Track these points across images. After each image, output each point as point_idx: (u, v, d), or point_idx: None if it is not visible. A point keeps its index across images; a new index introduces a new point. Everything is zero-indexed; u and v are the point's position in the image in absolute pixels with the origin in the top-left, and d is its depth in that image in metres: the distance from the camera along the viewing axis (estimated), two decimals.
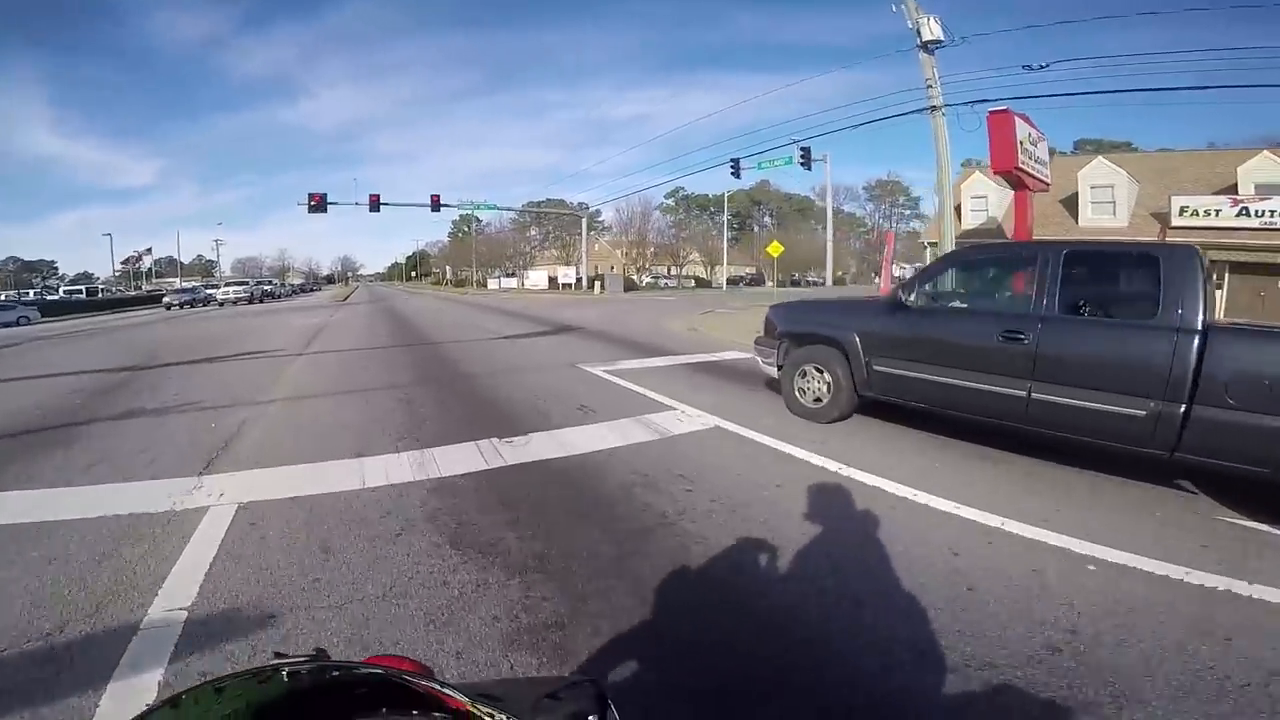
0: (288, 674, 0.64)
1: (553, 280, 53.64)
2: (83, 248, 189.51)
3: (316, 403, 7.01)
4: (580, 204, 60.02)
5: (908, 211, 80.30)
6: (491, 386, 7.78)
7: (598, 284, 45.03)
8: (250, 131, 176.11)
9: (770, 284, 67.50)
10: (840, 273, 65.88)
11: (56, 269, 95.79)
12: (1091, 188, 22.85)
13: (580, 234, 55.05)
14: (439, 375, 8.65)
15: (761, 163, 29.46)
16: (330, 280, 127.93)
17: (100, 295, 47.49)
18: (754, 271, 71.50)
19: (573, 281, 50.91)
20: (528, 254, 74.35)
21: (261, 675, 0.64)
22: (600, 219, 71.06)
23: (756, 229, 79.87)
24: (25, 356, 13.14)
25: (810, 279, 71.15)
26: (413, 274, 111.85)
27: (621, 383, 8.01)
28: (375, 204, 35.51)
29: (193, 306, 39.19)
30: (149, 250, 78.37)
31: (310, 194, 33.22)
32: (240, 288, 44.35)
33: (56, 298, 43.88)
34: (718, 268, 66.50)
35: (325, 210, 33.86)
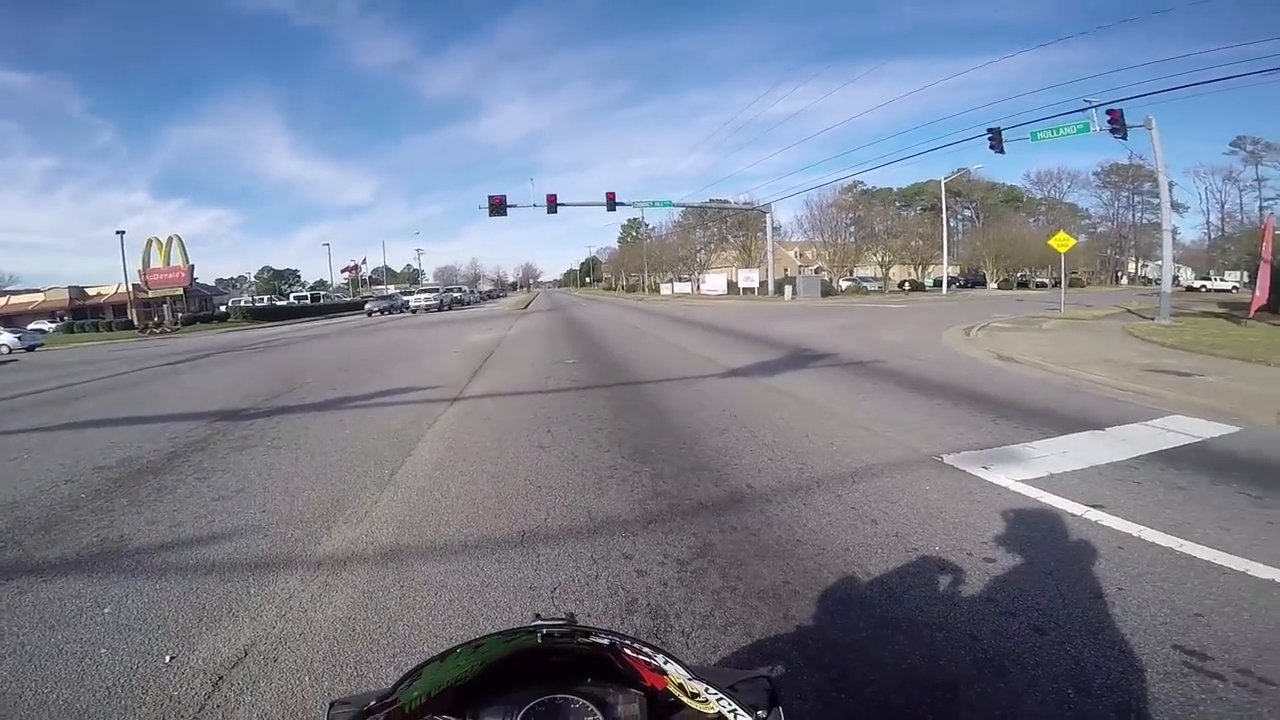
0: (542, 636, 0.74)
1: (732, 284, 48.90)
2: (318, 258, 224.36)
3: (430, 569, 2.97)
4: (748, 201, 54.49)
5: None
6: (840, 550, 3.22)
7: (788, 288, 39.33)
8: (444, 148, 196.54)
9: (992, 285, 57.23)
10: (1074, 272, 53.24)
11: (299, 277, 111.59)
12: None
13: (761, 234, 49.70)
14: (680, 484, 4.28)
15: (1037, 133, 21.81)
16: (514, 286, 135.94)
17: (320, 301, 52.29)
18: (966, 272, 60.86)
19: (755, 286, 45.68)
20: (698, 257, 70.18)
21: (515, 634, 0.74)
22: (776, 220, 64.72)
23: (955, 224, 68.30)
24: (108, 396, 11.36)
25: (1039, 280, 58.95)
26: (585, 280, 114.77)
27: (1121, 528, 3.21)
28: (553, 205, 34.42)
29: (390, 313, 40.80)
30: (364, 260, 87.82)
31: (490, 197, 32.83)
32: (431, 295, 45.57)
33: (285, 303, 48.54)
34: (928, 268, 56.85)
35: (505, 213, 33.40)
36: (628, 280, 79.81)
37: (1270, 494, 3.66)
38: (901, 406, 6.36)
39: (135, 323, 38.05)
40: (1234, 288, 34.36)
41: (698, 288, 57.23)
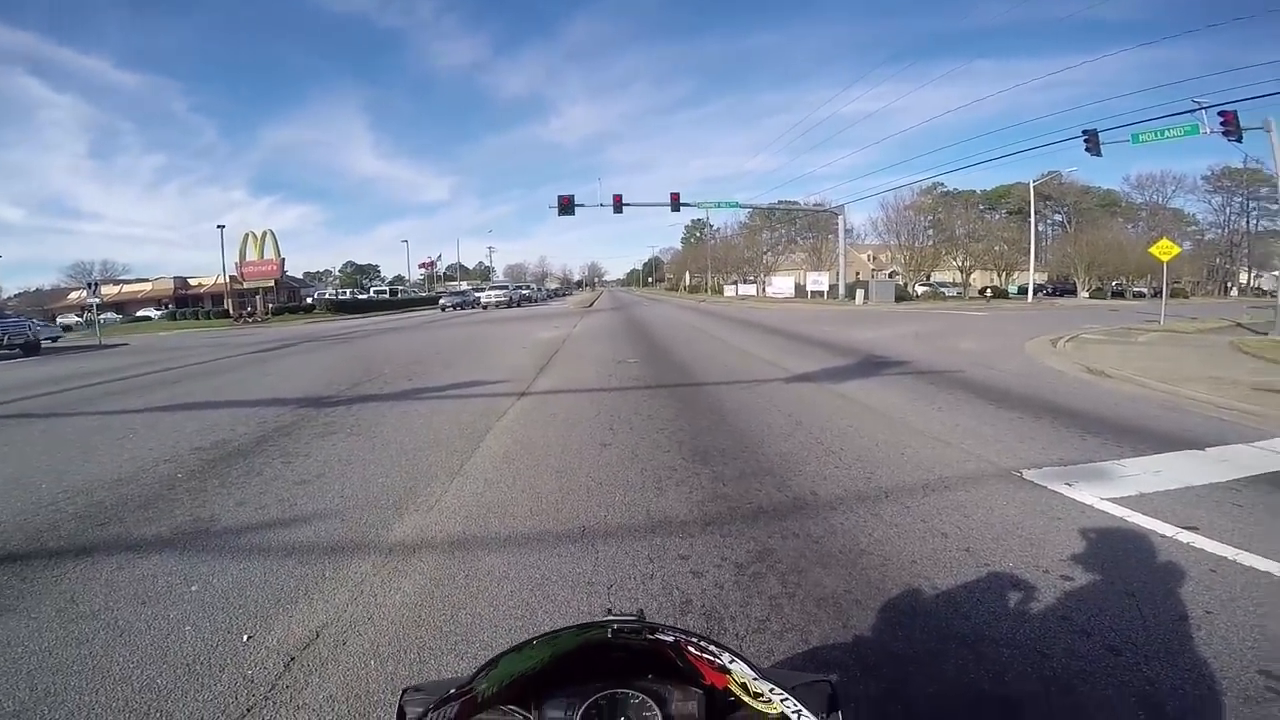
0: (613, 631, 0.75)
1: (800, 288, 47.77)
2: (397, 254, 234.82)
3: (494, 560, 3.04)
4: (818, 203, 52.89)
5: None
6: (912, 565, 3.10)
7: (860, 292, 38.08)
8: (515, 148, 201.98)
9: (1083, 293, 53.48)
10: (1176, 281, 49.07)
11: (379, 271, 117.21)
12: None
13: (832, 236, 48.35)
14: (740, 488, 4.22)
15: (1139, 135, 20.16)
16: (579, 285, 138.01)
17: (398, 295, 54.85)
18: (1054, 279, 57.22)
19: (825, 289, 44.42)
20: (765, 259, 68.85)
21: (588, 629, 0.75)
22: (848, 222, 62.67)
23: (1044, 228, 64.22)
24: (183, 386, 12.18)
25: (1137, 290, 54.72)
26: (648, 279, 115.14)
27: (1214, 550, 2.96)
28: (619, 205, 34.72)
29: (463, 308, 42.33)
30: (439, 256, 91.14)
31: (560, 196, 33.35)
32: (501, 292, 46.87)
33: (364, 297, 51.18)
34: (1013, 274, 53.62)
35: (573, 212, 33.90)
36: (690, 280, 79.40)
37: None
38: (978, 419, 6.04)
39: (230, 312, 41.07)
40: None
41: (763, 290, 56.13)
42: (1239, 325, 17.66)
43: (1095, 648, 2.26)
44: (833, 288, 44.17)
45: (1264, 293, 49.28)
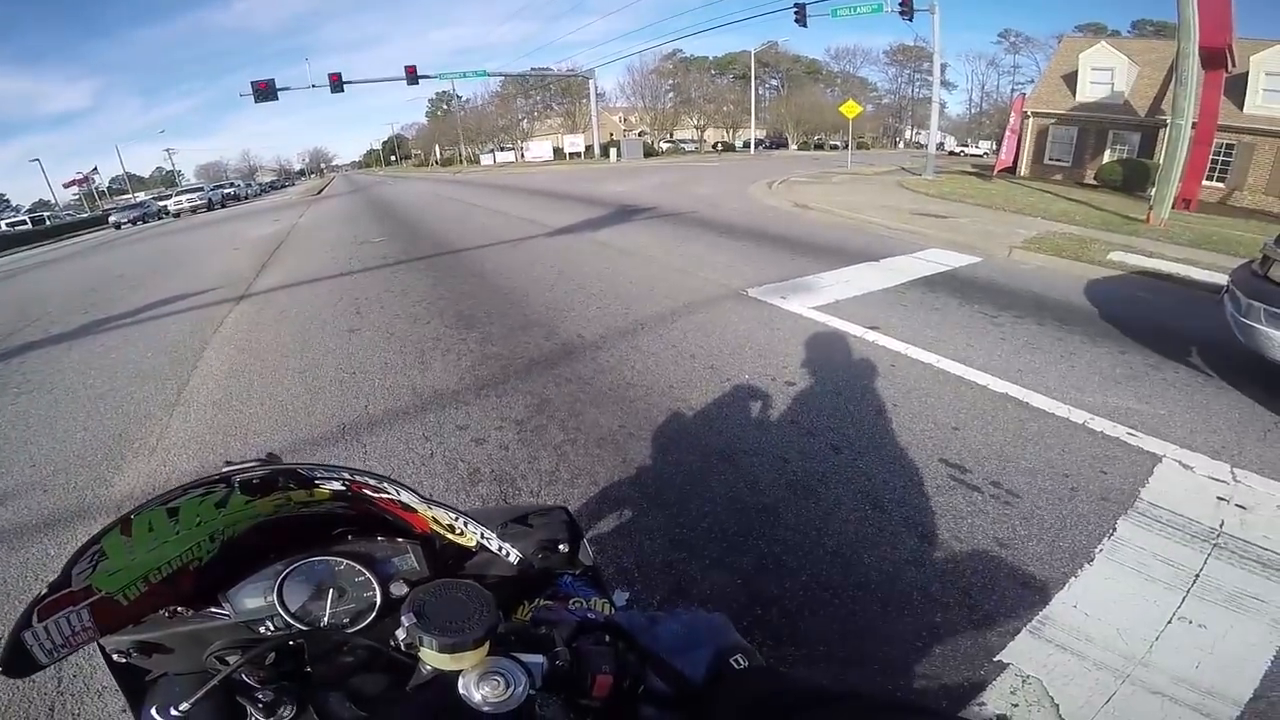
0: (239, 483, 0.56)
1: (558, 151, 46.72)
2: (29, 176, 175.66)
3: None
4: (570, 69, 51.23)
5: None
6: (666, 390, 3.42)
7: (613, 151, 38.48)
8: (186, 36, 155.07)
9: (793, 147, 60.77)
10: (861, 137, 58.59)
11: (8, 201, 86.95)
12: (1266, 74, 16.48)
13: (585, 100, 47.26)
14: (510, 345, 4.20)
15: (837, 9, 22.11)
16: (303, 174, 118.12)
17: (47, 224, 41.69)
18: (770, 135, 63.99)
19: (581, 150, 44.05)
20: (520, 126, 65.57)
21: (211, 487, 0.55)
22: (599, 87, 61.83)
23: (763, 91, 70.60)
24: None
25: (833, 143, 63.83)
26: (391, 159, 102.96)
27: (892, 346, 3.87)
28: (337, 84, 29.52)
29: (145, 222, 33.55)
30: (94, 170, 70.10)
31: (254, 82, 27.14)
32: (195, 194, 37.79)
33: None
34: (739, 131, 58.57)
35: (276, 97, 28.18)
36: (441, 155, 72.73)
37: (1002, 314, 4.43)
38: (712, 249, 6.72)
39: None
40: (985, 154, 40.45)
41: (522, 156, 53.97)
42: (903, 169, 21.74)
43: (821, 447, 2.68)
44: (589, 149, 44.06)
45: (922, 146, 61.01)
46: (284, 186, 69.17)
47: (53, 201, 69.35)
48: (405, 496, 0.60)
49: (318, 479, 0.59)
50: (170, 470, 3.01)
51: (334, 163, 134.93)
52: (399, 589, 0.65)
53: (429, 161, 76.44)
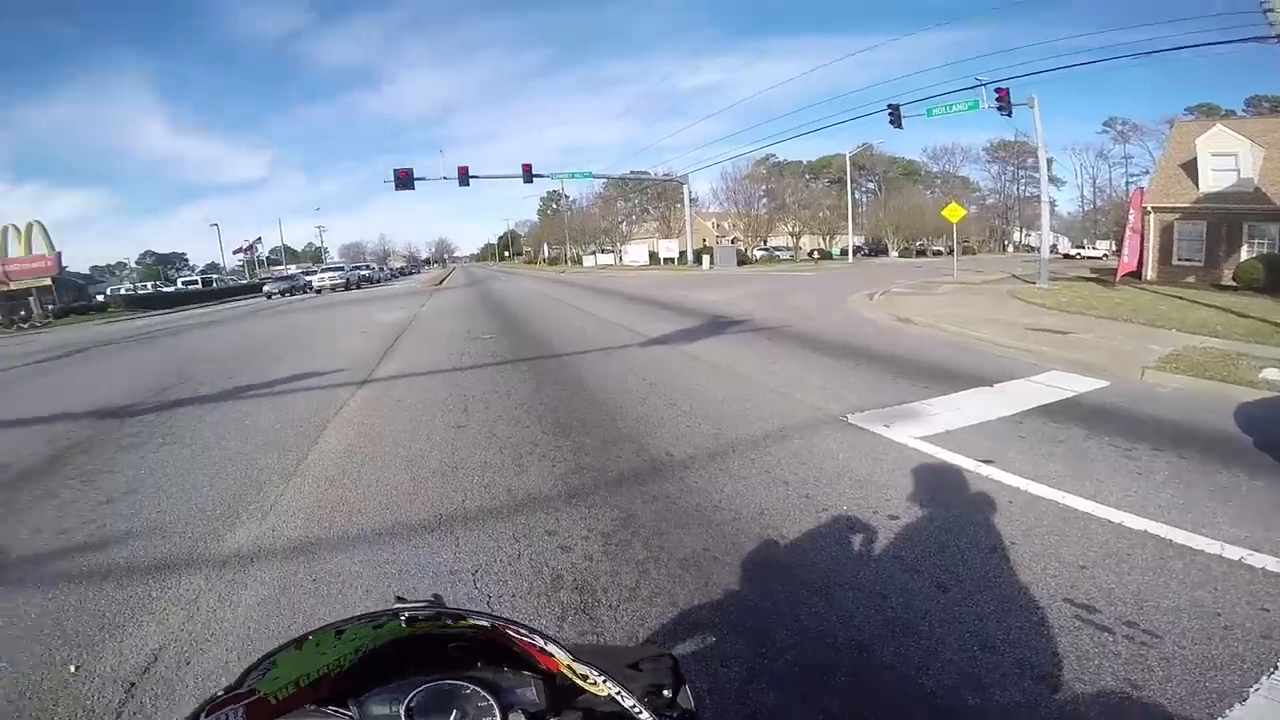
0: (406, 619, 0.68)
1: (654, 255, 49.09)
2: (207, 240, 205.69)
3: (343, 561, 2.87)
4: (667, 173, 54.66)
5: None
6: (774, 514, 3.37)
7: (706, 258, 39.95)
8: (344, 119, 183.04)
9: (893, 253, 60.56)
10: (966, 240, 57.47)
11: (187, 260, 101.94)
12: None
13: (680, 205, 50.06)
14: (602, 457, 4.32)
15: (932, 109, 22.80)
16: (428, 262, 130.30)
17: (213, 285, 48.18)
18: (869, 241, 64.21)
19: (676, 256, 46.06)
20: (620, 229, 69.76)
21: (379, 620, 0.68)
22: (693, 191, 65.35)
23: (859, 195, 71.76)
24: None
25: (936, 248, 63.07)
26: (505, 254, 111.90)
27: (1010, 482, 3.56)
28: (464, 177, 32.80)
29: (292, 294, 38.08)
30: (259, 239, 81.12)
31: (396, 170, 30.91)
32: (336, 274, 42.60)
33: (171, 290, 44.45)
34: (836, 237, 59.29)
35: (413, 186, 31.64)
36: (549, 253, 78.31)
37: (1137, 446, 4.07)
38: (808, 368, 6.69)
39: None
40: (1104, 255, 38.23)
41: (620, 259, 56.94)
42: (1014, 276, 21.02)
43: (925, 585, 2.53)
44: (682, 254, 45.97)
45: (1033, 249, 59.14)
46: (411, 273, 76.49)
47: (221, 265, 79.62)
48: (550, 647, 0.67)
49: (471, 620, 0.68)
50: (275, 537, 3.26)
51: (455, 253, 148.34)
52: (517, 719, 0.70)
53: (537, 259, 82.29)
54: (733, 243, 55.83)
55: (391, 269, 74.18)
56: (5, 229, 36.05)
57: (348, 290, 38.17)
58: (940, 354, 7.44)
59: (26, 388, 9.73)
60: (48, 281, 36.52)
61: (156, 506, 3.77)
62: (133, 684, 2.15)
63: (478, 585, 2.67)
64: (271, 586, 2.73)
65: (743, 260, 43.52)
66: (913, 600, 2.43)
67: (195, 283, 49.63)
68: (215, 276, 59.44)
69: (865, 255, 57.62)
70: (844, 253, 52.06)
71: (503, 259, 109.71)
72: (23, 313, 34.18)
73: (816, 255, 54.81)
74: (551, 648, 0.67)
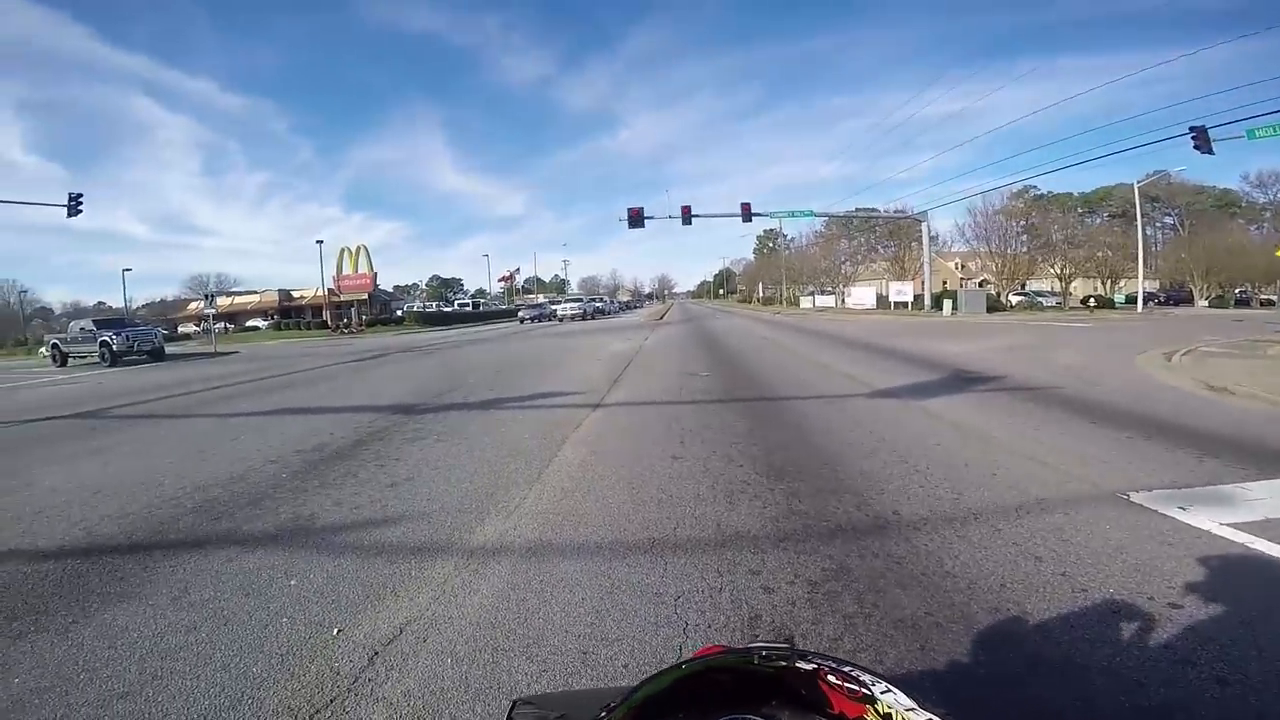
0: (759, 658, 0.74)
1: (881, 298, 45.98)
2: (478, 267, 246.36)
3: (567, 567, 3.08)
4: (899, 209, 50.60)
5: None
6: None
7: (947, 303, 36.23)
8: (585, 161, 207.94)
9: (1201, 302, 48.61)
10: None
11: (462, 285, 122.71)
12: None
13: (915, 244, 46.45)
14: (817, 505, 4.10)
15: (1255, 130, 17.98)
16: (651, 297, 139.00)
17: (479, 308, 57.32)
18: (1167, 286, 52.44)
19: (909, 300, 42.54)
20: (843, 269, 66.71)
21: (741, 655, 0.75)
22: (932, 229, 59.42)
23: (1152, 231, 58.82)
24: (324, 384, 12.94)
25: (1265, 297, 49.27)
26: (719, 291, 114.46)
27: None
28: (687, 216, 34.92)
29: (539, 320, 43.65)
30: (517, 269, 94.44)
31: (629, 209, 33.91)
32: (576, 305, 48.05)
33: (449, 309, 53.76)
34: (1120, 282, 49.66)
35: (643, 224, 34.48)
36: (764, 292, 78.19)
37: None
38: (1081, 438, 5.59)
39: (328, 323, 44.15)
40: None
41: (842, 301, 54.37)
42: None
43: (1200, 678, 2.07)
44: (918, 298, 42.22)
45: None
46: (636, 307, 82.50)
47: (487, 290, 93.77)
48: (877, 689, 0.68)
49: (802, 662, 0.73)
50: (515, 536, 3.60)
51: (674, 289, 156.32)
52: None
53: (751, 298, 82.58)
54: (981, 285, 49.85)
55: (620, 302, 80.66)
56: (342, 250, 46.97)
57: (584, 320, 42.46)
58: (1268, 431, 5.70)
59: (347, 381, 12.46)
60: (365, 296, 46.62)
61: (427, 494, 4.46)
62: (375, 653, 2.41)
63: (677, 610, 2.67)
64: (505, 581, 3.02)
65: (993, 306, 38.35)
66: (1177, 691, 2.01)
67: (467, 305, 59.48)
68: (482, 300, 70.46)
69: (1160, 303, 47.23)
70: (1130, 300, 43.05)
71: (717, 296, 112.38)
72: (345, 320, 44.21)
73: (1093, 302, 45.81)
74: (887, 694, 0.67)
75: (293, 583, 3.09)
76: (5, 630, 2.74)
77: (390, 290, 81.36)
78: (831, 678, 0.71)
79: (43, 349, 29.64)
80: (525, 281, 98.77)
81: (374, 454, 5.74)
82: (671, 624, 2.56)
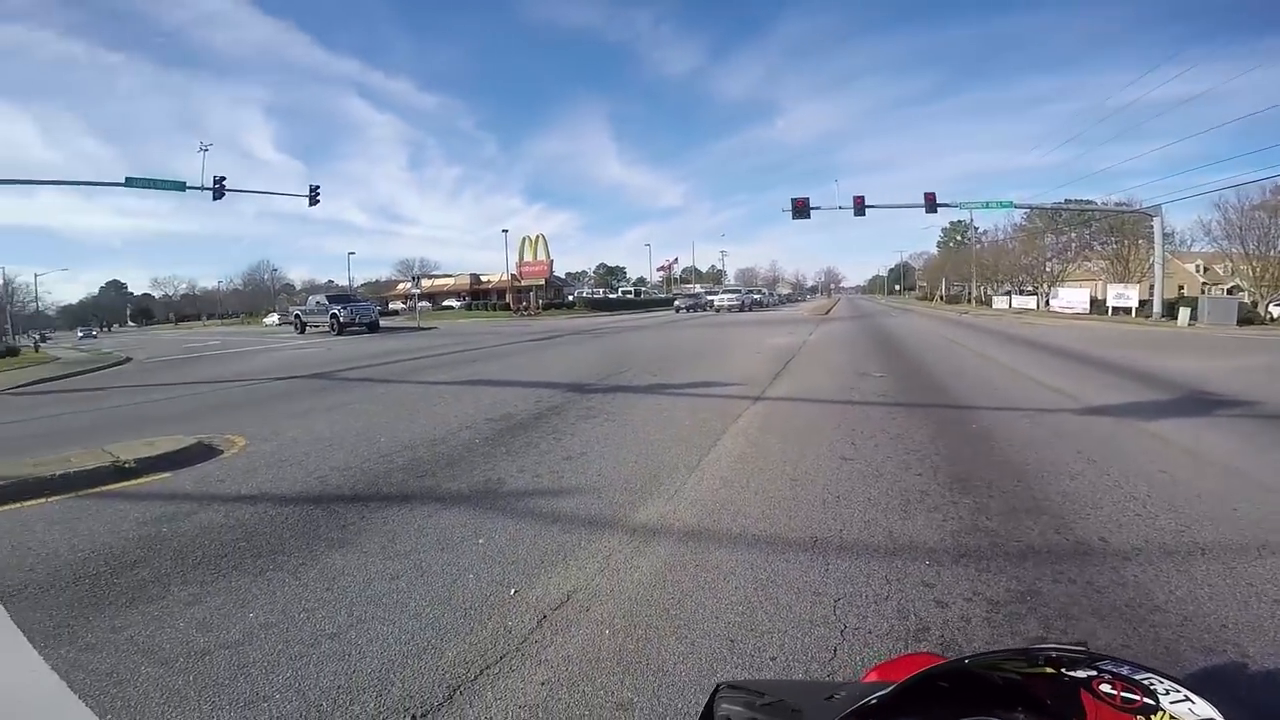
0: (1044, 659, 0.72)
1: (1096, 302, 39.52)
2: (640, 256, 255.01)
3: (723, 555, 3.12)
4: (1122, 202, 42.53)
5: None
6: None
7: (1184, 311, 30.20)
8: (742, 150, 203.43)
9: None
10: None
11: (625, 273, 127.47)
12: None
13: (1143, 241, 39.16)
14: (1008, 523, 3.69)
15: None
16: (814, 291, 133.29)
17: (640, 296, 59.31)
18: None
19: (1133, 305, 36.08)
20: (1047, 267, 58.20)
21: (1026, 655, 0.74)
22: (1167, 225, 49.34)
23: None
24: (516, 358, 13.99)
25: None
26: (895, 287, 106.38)
27: None
28: (860, 207, 32.23)
29: (695, 310, 43.93)
30: (675, 259, 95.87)
31: (794, 199, 32.22)
32: (733, 295, 47.43)
33: (614, 296, 56.37)
34: None
35: (808, 215, 32.54)
36: (948, 290, 71.13)
37: None
38: None
39: (510, 305, 48.53)
40: None
41: (1046, 303, 47.67)
42: None
43: None
44: (1145, 303, 35.67)
45: None
46: (797, 301, 79.75)
47: (648, 279, 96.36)
48: (1168, 700, 0.63)
49: (1079, 669, 0.70)
50: (675, 519, 3.68)
51: (841, 284, 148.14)
52: None
53: (933, 295, 75.62)
54: (1230, 293, 40.83)
55: (779, 295, 78.36)
56: (523, 239, 51.22)
57: (741, 311, 41.91)
58: None
59: (528, 359, 13.61)
60: (542, 282, 50.43)
61: (598, 470, 4.72)
62: (544, 616, 2.53)
63: (836, 611, 2.57)
64: (663, 561, 3.10)
65: (1247, 318, 31.20)
66: None
67: (630, 293, 61.80)
68: (642, 289, 72.75)
69: None
70: None
71: (892, 292, 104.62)
72: (525, 304, 48.24)
73: None
74: (1180, 704, 0.62)
75: (480, 541, 3.39)
76: (251, 567, 3.09)
77: (563, 277, 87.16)
78: (1105, 686, 0.67)
79: (266, 319, 36.95)
80: (683, 271, 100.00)
81: (552, 428, 6.21)
82: (828, 624, 2.48)
